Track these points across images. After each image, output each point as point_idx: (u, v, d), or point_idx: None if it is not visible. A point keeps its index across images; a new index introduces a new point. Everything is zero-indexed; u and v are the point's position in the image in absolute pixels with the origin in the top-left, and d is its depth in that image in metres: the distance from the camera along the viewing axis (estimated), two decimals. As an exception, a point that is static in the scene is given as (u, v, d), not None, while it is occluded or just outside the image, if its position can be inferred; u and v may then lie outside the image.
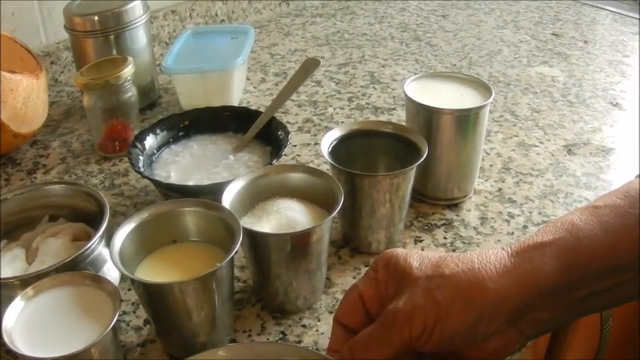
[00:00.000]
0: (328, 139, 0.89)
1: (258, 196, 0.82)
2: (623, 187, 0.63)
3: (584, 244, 0.59)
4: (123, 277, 0.85)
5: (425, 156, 0.85)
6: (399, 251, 0.66)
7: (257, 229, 0.76)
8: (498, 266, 0.60)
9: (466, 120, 0.92)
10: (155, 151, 1.02)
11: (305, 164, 1.08)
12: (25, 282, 0.72)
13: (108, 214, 0.82)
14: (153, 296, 0.71)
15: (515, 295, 0.59)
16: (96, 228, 0.80)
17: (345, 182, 0.81)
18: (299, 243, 0.75)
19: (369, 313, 0.67)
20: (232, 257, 0.71)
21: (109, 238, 0.80)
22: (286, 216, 0.78)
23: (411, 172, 0.84)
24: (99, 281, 0.72)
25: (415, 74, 1.06)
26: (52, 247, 0.83)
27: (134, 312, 0.83)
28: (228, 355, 0.71)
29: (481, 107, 0.92)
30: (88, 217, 0.87)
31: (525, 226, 0.94)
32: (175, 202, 0.79)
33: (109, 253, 0.72)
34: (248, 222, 0.78)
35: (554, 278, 0.59)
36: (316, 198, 0.81)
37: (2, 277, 0.77)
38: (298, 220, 0.77)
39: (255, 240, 0.76)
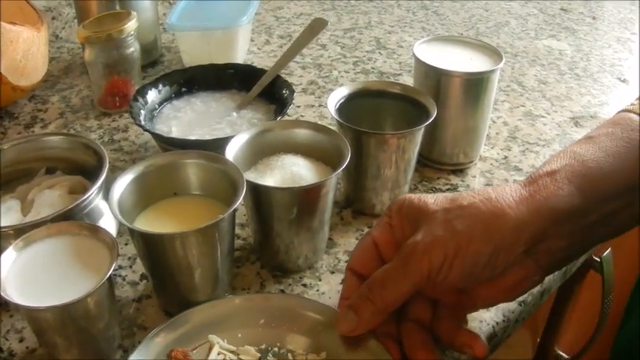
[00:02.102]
0: (335, 97, 0.87)
1: (261, 152, 0.80)
2: (609, 120, 0.67)
3: (590, 166, 0.61)
4: (119, 232, 0.83)
5: (433, 117, 0.83)
6: (412, 195, 0.66)
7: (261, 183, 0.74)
8: (515, 195, 0.60)
9: (476, 84, 0.90)
10: (157, 106, 1.00)
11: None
12: (20, 231, 0.70)
13: (107, 166, 0.80)
14: (152, 248, 0.70)
15: (534, 221, 0.59)
16: (93, 182, 0.78)
17: (351, 141, 0.79)
18: (304, 198, 0.73)
19: (384, 260, 0.66)
20: (234, 210, 0.69)
21: (106, 191, 0.78)
22: (291, 171, 0.76)
23: (419, 133, 0.83)
24: (96, 231, 0.69)
25: (423, 39, 1.04)
26: (48, 199, 0.81)
27: (130, 267, 0.81)
28: (244, 304, 0.71)
29: (491, 72, 0.90)
30: (85, 171, 0.85)
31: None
32: (177, 153, 0.77)
33: (108, 203, 0.70)
34: (251, 177, 0.76)
35: (569, 202, 0.59)
36: (322, 155, 0.79)
37: (-3, 226, 0.75)
38: (303, 175, 0.75)
39: (258, 194, 0.74)
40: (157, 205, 0.76)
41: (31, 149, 0.86)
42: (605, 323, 1.05)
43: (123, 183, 0.73)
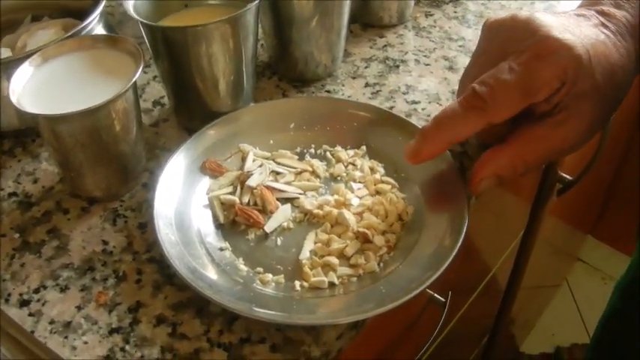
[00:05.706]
0: None
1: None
2: None
3: None
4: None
5: None
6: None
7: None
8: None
9: None
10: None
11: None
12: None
13: (105, -3, 0.76)
14: (176, 50, 0.66)
15: None
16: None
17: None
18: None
19: None
20: (258, 5, 0.67)
21: (106, 23, 0.75)
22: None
23: None
24: (115, 41, 0.66)
25: None
26: (43, 38, 0.75)
27: (141, 96, 0.78)
28: (270, 110, 0.70)
29: None
30: (75, 14, 0.80)
31: (533, 2, 0.92)
32: None
33: (124, 6, 0.66)
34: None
35: None
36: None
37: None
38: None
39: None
40: (173, 15, 0.73)
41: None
42: (605, 143, 1.06)
43: (136, -9, 0.69)
